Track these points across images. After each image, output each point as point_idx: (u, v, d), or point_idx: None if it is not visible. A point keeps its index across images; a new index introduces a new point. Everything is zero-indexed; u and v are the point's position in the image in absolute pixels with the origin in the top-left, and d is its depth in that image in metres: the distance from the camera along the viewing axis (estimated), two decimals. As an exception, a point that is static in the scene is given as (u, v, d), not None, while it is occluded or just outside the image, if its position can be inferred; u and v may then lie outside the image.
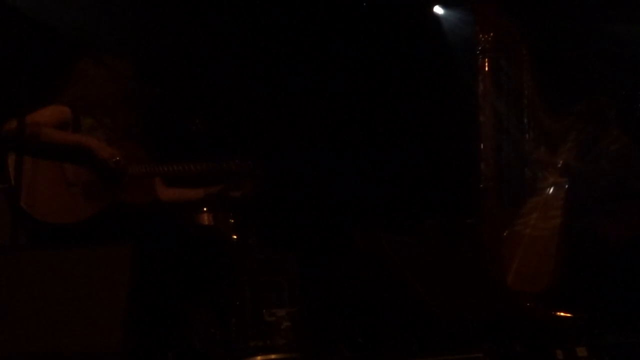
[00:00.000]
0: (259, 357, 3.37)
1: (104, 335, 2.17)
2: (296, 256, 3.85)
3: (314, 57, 5.56)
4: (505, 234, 4.08)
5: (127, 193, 3.02)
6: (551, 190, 4.18)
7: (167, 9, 5.07)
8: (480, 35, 4.13)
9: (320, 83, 5.56)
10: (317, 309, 3.94)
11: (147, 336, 2.82)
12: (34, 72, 2.63)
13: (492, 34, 4.13)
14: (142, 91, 3.18)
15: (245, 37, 5.41)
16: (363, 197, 5.37)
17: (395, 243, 3.06)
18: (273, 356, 3.40)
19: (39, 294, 2.21)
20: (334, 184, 5.37)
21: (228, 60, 5.33)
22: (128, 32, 4.91)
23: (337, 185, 5.38)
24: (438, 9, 5.66)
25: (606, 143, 4.20)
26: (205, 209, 3.76)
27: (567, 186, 4.12)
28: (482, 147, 4.05)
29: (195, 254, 3.06)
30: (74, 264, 2.28)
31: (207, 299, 3.35)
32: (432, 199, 5.28)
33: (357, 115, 5.61)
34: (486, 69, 4.12)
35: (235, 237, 3.87)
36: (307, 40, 5.54)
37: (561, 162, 4.24)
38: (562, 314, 3.55)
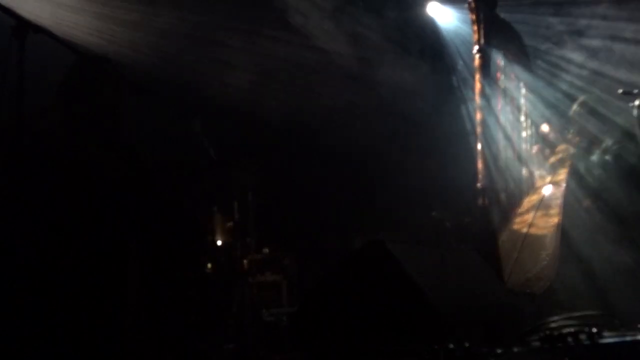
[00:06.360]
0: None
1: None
2: (295, 256, 3.85)
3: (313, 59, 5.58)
4: (503, 233, 4.08)
5: None
6: (549, 189, 4.18)
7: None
8: (477, 34, 4.13)
9: (315, 86, 5.57)
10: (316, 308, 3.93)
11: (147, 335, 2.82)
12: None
13: (489, 32, 4.13)
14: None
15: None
16: (361, 198, 5.37)
17: (394, 242, 3.06)
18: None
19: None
20: (333, 185, 5.37)
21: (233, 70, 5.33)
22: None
23: (336, 186, 5.38)
24: (434, 7, 5.62)
25: (604, 140, 4.20)
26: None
27: (564, 184, 4.12)
28: (479, 146, 4.05)
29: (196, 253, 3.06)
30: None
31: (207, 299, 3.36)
32: (428, 198, 5.27)
33: (353, 116, 5.61)
34: (483, 67, 4.12)
35: (233, 237, 3.87)
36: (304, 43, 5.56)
37: (559, 160, 4.25)
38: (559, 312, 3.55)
